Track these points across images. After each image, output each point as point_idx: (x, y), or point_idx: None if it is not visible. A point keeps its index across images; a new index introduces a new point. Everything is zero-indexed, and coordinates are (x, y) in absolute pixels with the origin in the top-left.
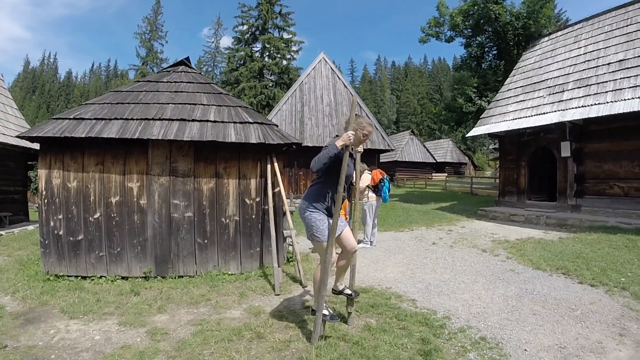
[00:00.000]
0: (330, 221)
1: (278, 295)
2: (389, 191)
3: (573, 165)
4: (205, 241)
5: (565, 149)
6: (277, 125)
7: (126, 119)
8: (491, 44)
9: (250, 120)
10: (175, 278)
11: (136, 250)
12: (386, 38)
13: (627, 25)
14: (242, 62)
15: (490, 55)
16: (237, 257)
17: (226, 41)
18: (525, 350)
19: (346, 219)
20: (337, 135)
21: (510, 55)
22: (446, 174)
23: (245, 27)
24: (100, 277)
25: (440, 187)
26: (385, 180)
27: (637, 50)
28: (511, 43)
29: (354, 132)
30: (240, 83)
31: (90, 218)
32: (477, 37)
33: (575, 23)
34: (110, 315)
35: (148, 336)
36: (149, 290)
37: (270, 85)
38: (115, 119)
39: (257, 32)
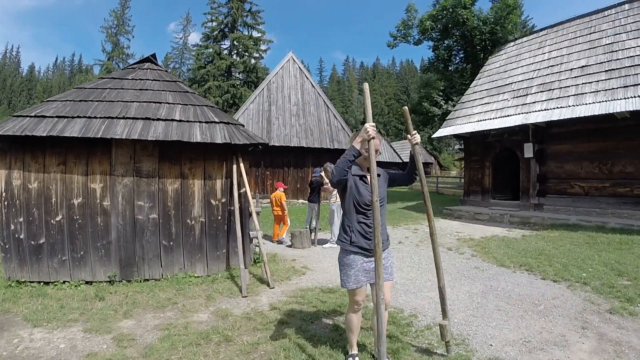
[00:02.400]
0: (363, 260)
1: (245, 297)
2: None
3: (536, 165)
4: (171, 243)
5: (528, 150)
6: (243, 125)
7: (89, 117)
8: (458, 48)
9: (216, 119)
10: (140, 282)
11: (100, 253)
12: (355, 39)
13: (590, 34)
14: (210, 59)
15: (458, 58)
16: (204, 259)
17: (194, 38)
18: (491, 345)
19: (285, 217)
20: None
21: (476, 59)
22: None
23: (215, 23)
24: (64, 282)
25: (406, 187)
26: None
27: (599, 57)
28: (478, 47)
29: (373, 124)
30: (208, 81)
31: (52, 221)
32: (445, 40)
33: (541, 30)
34: (75, 322)
35: (114, 343)
36: (114, 295)
37: (238, 84)
38: (78, 117)
39: (227, 30)
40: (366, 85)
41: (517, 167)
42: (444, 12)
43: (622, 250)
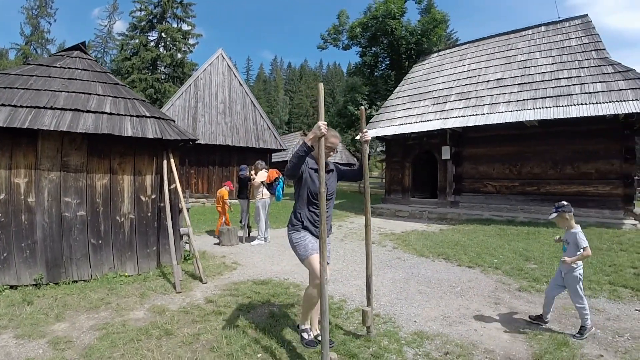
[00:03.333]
0: (312, 237)
1: (179, 292)
2: (282, 190)
3: (452, 166)
4: (100, 242)
5: (446, 153)
6: (174, 121)
7: (14, 106)
8: (385, 55)
9: (147, 114)
10: (69, 283)
11: (25, 254)
12: (284, 39)
13: (507, 50)
14: (135, 51)
15: (383, 65)
16: (134, 258)
17: (120, 26)
18: (415, 321)
19: (227, 217)
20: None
21: (401, 66)
22: None
23: (143, 13)
24: None
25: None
26: (280, 180)
27: (514, 71)
28: (403, 56)
29: (325, 123)
30: (132, 74)
31: None
32: (372, 47)
33: (463, 43)
34: (5, 329)
35: (50, 346)
36: (42, 299)
37: (163, 78)
38: (3, 105)
39: (155, 21)
40: (321, 86)
41: (436, 168)
42: (374, 20)
43: (530, 240)
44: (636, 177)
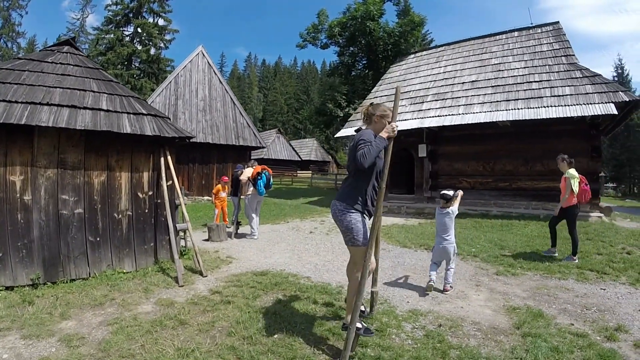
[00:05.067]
0: (369, 222)
1: (182, 286)
2: (265, 186)
3: (429, 164)
4: (98, 239)
5: (422, 151)
6: (169, 118)
7: (9, 102)
8: (362, 55)
9: (144, 111)
10: (67, 282)
11: (21, 254)
12: (259, 35)
13: (482, 53)
14: (110, 46)
15: (361, 64)
16: (132, 254)
17: (92, 20)
18: (408, 302)
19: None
20: (359, 128)
21: (378, 67)
22: (311, 172)
23: (119, 7)
24: None
25: (306, 184)
26: (262, 174)
27: (488, 74)
28: (381, 56)
29: (397, 124)
30: (107, 69)
31: None
32: (350, 47)
33: (440, 46)
34: (9, 331)
35: (63, 344)
36: (42, 298)
37: (138, 74)
38: None
39: (131, 15)
40: (398, 88)
41: (412, 165)
42: (353, 21)
43: (503, 231)
44: (601, 174)
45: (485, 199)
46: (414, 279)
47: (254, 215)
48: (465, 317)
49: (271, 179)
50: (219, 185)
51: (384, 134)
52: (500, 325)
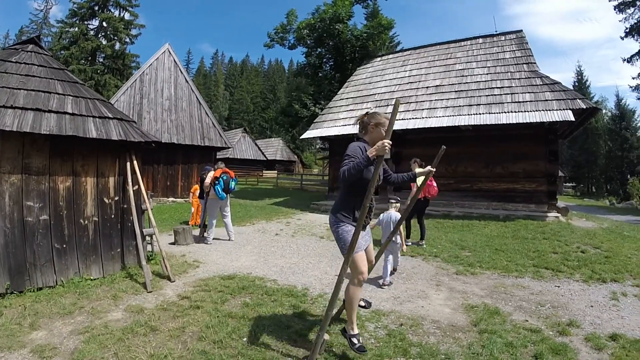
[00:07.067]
0: (363, 233)
1: (151, 292)
2: (224, 190)
3: (392, 165)
4: (64, 246)
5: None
6: (135, 122)
7: None
8: (329, 56)
9: (110, 115)
10: (34, 291)
11: None
12: (226, 33)
13: (447, 59)
14: (74, 40)
15: (328, 66)
16: (99, 261)
17: (56, 11)
18: (371, 303)
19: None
20: (357, 138)
21: (345, 68)
22: (277, 172)
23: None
24: None
25: (272, 184)
26: (220, 179)
27: (452, 79)
28: (347, 58)
29: (390, 142)
30: (70, 64)
31: None
32: (318, 48)
33: (406, 50)
34: None
35: (35, 355)
36: (10, 309)
37: (102, 69)
38: None
39: (97, 8)
40: (397, 101)
41: None
42: (321, 23)
43: (464, 231)
44: (560, 174)
45: (447, 200)
46: (374, 280)
47: (214, 221)
48: (426, 316)
49: (232, 183)
50: (197, 185)
51: (372, 152)
52: (458, 323)
